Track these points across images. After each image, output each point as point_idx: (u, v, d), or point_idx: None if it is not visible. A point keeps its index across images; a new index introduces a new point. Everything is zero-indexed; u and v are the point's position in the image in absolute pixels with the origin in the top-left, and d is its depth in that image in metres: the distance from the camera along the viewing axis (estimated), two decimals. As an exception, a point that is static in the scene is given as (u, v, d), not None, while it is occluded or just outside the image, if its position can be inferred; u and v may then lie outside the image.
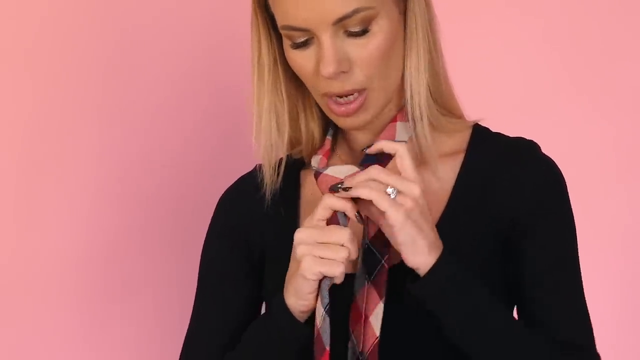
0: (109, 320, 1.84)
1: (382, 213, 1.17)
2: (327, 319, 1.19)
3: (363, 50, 1.23)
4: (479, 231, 1.28)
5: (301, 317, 1.23)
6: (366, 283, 1.23)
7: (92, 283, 1.83)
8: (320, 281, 1.19)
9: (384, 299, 1.22)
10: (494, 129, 1.39)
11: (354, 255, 1.19)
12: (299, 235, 1.20)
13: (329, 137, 1.33)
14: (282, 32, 1.26)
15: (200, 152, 1.91)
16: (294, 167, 1.39)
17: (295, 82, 1.34)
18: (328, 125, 1.36)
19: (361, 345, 1.22)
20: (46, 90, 1.79)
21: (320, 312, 1.19)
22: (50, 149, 1.79)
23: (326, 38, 1.22)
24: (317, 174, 1.25)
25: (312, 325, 1.22)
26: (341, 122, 1.28)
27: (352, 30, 1.22)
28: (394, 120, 1.29)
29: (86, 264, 1.82)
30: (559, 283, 1.27)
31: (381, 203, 1.17)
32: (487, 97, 2.02)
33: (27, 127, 1.78)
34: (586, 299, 1.32)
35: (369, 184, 1.18)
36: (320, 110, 1.35)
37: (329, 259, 1.18)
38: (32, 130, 1.78)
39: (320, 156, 1.30)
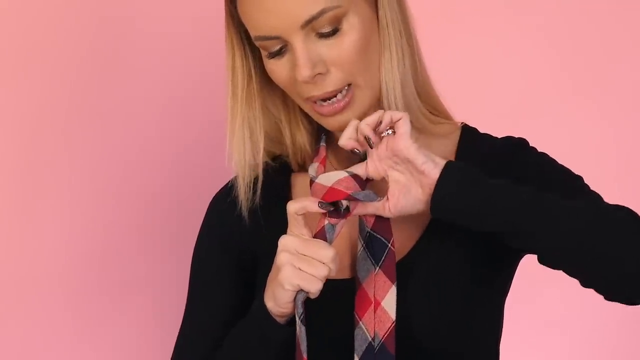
0: (108, 320, 1.84)
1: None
2: (303, 328, 1.18)
3: (336, 50, 1.22)
4: (471, 233, 1.28)
5: (281, 320, 1.23)
6: (374, 269, 1.23)
7: (92, 283, 1.83)
8: (297, 292, 1.19)
9: (395, 282, 1.22)
10: (493, 130, 1.38)
11: (333, 274, 1.19)
12: (283, 241, 1.20)
13: (323, 144, 1.32)
14: (256, 43, 1.25)
15: (200, 152, 1.91)
16: (283, 172, 1.38)
17: (277, 96, 1.33)
18: (315, 135, 1.35)
19: (373, 332, 1.22)
20: (46, 91, 1.79)
21: (297, 322, 1.19)
22: (50, 149, 1.79)
23: (298, 42, 1.21)
24: (311, 182, 1.23)
25: (294, 325, 1.22)
26: (329, 123, 1.27)
27: (323, 32, 1.21)
28: None
29: (86, 263, 1.82)
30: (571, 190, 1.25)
31: (390, 116, 1.18)
32: (486, 98, 2.02)
33: (28, 127, 1.78)
34: (587, 299, 1.31)
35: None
36: (307, 121, 1.34)
37: (308, 274, 1.18)
38: (32, 131, 1.78)
39: (317, 164, 1.29)
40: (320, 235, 1.20)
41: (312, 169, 1.28)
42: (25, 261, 1.79)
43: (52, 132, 1.80)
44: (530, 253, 1.22)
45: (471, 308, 1.27)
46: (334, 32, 1.22)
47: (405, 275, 1.25)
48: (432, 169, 1.17)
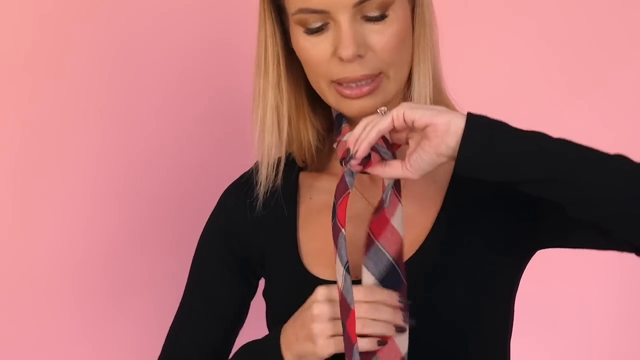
0: (109, 320, 1.84)
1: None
2: (349, 278, 1.17)
3: (381, 36, 1.24)
4: (477, 227, 1.28)
5: None
6: (392, 189, 1.23)
7: (93, 283, 1.83)
8: (337, 239, 1.17)
9: (401, 200, 1.22)
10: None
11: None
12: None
13: (346, 125, 1.31)
14: (297, 17, 1.25)
15: (200, 152, 1.91)
16: (293, 169, 1.39)
17: (290, 85, 1.34)
18: (320, 132, 1.36)
19: (393, 251, 1.21)
20: (46, 91, 1.79)
21: (341, 272, 1.17)
22: (50, 149, 1.79)
23: (345, 21, 1.22)
24: (338, 143, 1.25)
25: None
26: (351, 106, 1.27)
27: (370, 15, 1.23)
28: None
29: (86, 263, 1.82)
30: None
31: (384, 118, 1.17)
32: (485, 99, 2.02)
33: (28, 127, 1.78)
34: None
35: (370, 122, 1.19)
36: (314, 117, 1.35)
37: (382, 321, 1.18)
38: (32, 130, 1.78)
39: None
40: (341, 183, 1.20)
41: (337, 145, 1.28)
42: (27, 262, 1.79)
43: (53, 133, 1.80)
44: (559, 202, 1.18)
45: (481, 297, 1.27)
46: (381, 17, 1.24)
47: (418, 269, 1.25)
48: (435, 116, 1.15)
